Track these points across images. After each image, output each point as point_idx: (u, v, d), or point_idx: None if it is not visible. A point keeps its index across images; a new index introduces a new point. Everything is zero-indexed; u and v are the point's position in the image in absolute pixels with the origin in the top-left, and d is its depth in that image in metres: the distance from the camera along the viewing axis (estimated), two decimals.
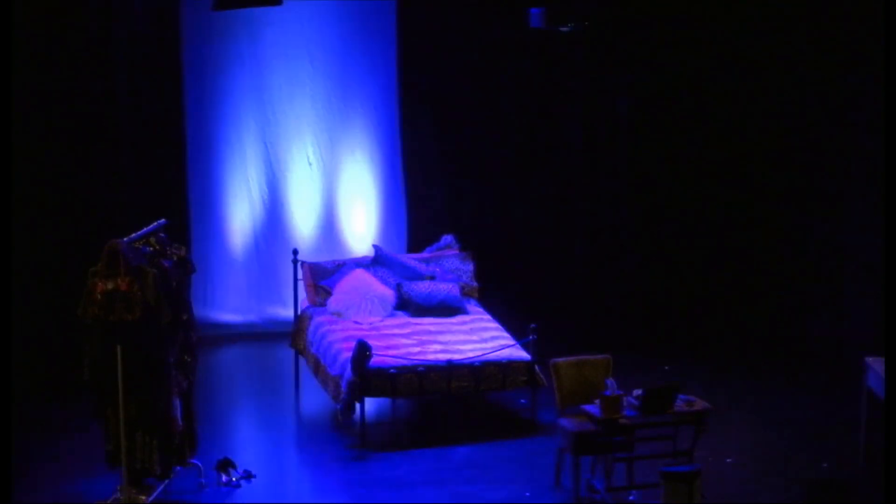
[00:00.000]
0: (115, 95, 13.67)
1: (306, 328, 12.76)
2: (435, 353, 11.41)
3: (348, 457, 10.83)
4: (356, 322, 12.40)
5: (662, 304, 14.55)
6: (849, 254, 13.17)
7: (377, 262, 13.45)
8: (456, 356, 11.27)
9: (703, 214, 14.48)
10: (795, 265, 14.03)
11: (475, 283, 13.48)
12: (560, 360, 9.88)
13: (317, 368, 12.09)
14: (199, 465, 10.14)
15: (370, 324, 12.37)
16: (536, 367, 11.29)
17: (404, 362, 11.11)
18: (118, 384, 9.38)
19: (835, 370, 12.65)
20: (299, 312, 13.26)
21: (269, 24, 14.46)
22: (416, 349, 11.51)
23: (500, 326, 12.32)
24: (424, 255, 13.78)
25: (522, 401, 11.88)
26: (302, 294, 13.42)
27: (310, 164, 14.87)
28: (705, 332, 14.21)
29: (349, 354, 11.09)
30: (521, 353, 11.44)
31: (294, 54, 14.69)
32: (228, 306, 14.81)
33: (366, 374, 10.95)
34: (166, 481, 9.81)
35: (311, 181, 14.88)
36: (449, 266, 13.51)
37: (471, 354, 11.34)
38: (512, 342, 11.68)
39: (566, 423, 9.74)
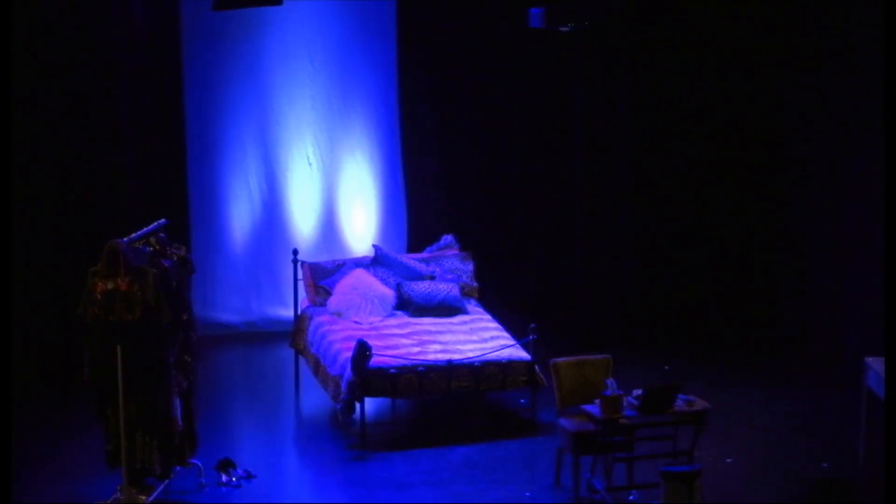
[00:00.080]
0: (115, 95, 13.67)
1: (306, 328, 12.76)
2: (435, 353, 11.41)
3: (348, 457, 10.83)
4: (356, 322, 12.40)
5: (662, 304, 14.54)
6: (849, 254, 13.15)
7: (377, 262, 13.46)
8: (456, 356, 11.27)
9: (703, 214, 14.47)
10: (795, 265, 14.02)
11: (475, 283, 13.48)
12: (560, 360, 9.88)
13: (317, 368, 12.09)
14: (199, 465, 10.14)
15: (370, 324, 12.37)
16: (536, 367, 11.29)
17: (404, 362, 11.11)
18: (118, 384, 9.38)
19: (835, 370, 12.64)
20: (299, 312, 13.27)
21: (269, 23, 14.48)
22: (416, 349, 11.51)
23: (500, 326, 12.32)
24: (424, 255, 13.78)
25: (522, 401, 11.88)
26: (302, 294, 13.42)
27: (310, 164, 14.88)
28: (705, 332, 14.21)
29: (349, 354, 11.09)
30: (521, 353, 11.44)
31: (294, 54, 14.70)
32: (228, 306, 14.82)
33: (366, 374, 10.95)
34: (166, 481, 9.81)
35: (311, 181, 14.89)
36: (449, 266, 13.51)
37: (471, 354, 11.34)
38: (512, 342, 11.68)
39: (566, 423, 9.74)
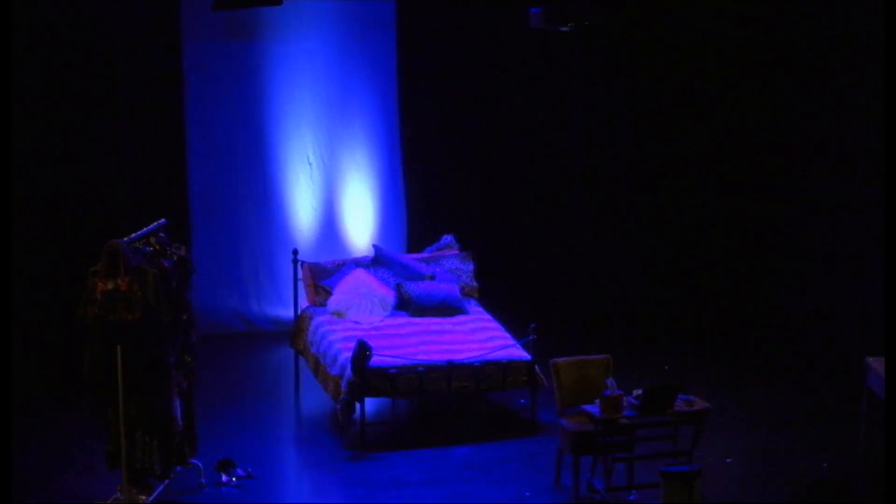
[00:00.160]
0: (115, 95, 13.68)
1: (306, 328, 12.76)
2: (435, 353, 11.41)
3: (348, 457, 10.82)
4: (356, 322, 12.40)
5: (662, 304, 14.54)
6: (849, 254, 13.16)
7: (377, 262, 13.45)
8: (456, 356, 11.27)
9: (703, 215, 14.48)
10: (795, 265, 14.02)
11: (475, 283, 13.48)
12: (560, 360, 9.87)
13: (317, 368, 12.08)
14: (199, 465, 10.13)
15: (370, 324, 12.36)
16: (536, 367, 11.28)
17: (404, 362, 11.10)
18: (118, 384, 9.38)
19: (835, 370, 12.64)
20: (299, 312, 13.26)
21: (269, 24, 14.47)
22: (416, 349, 11.51)
23: (500, 326, 12.32)
24: (424, 255, 13.78)
25: (522, 401, 11.87)
26: (302, 294, 13.42)
27: (310, 164, 14.88)
28: (705, 332, 14.21)
29: (349, 354, 11.08)
30: (521, 353, 11.44)
31: (294, 54, 14.70)
32: (228, 306, 14.81)
33: (366, 374, 10.95)
34: (166, 481, 9.81)
35: (311, 181, 14.89)
36: (449, 266, 13.51)
37: (471, 354, 11.33)
38: (512, 342, 11.68)
39: (566, 423, 9.74)
